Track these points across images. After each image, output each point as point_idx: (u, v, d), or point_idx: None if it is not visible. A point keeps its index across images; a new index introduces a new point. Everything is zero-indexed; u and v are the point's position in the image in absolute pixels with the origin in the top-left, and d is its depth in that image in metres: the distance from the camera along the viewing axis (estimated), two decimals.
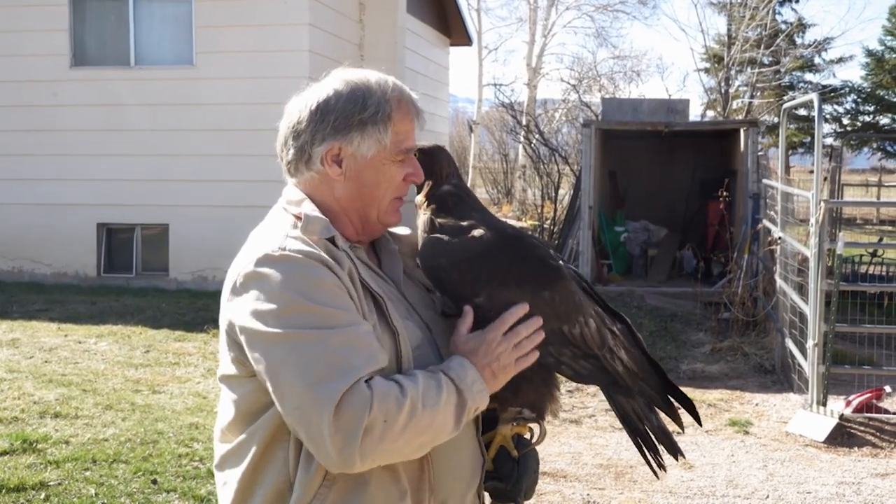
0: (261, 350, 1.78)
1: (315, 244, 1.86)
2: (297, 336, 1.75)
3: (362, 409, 1.71)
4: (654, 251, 13.47)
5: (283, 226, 1.92)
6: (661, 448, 2.14)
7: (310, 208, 1.94)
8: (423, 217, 2.05)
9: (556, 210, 17.43)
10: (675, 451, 2.13)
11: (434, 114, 16.87)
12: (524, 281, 1.96)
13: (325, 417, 1.69)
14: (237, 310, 1.82)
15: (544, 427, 2.09)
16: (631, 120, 13.12)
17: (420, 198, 2.10)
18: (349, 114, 1.92)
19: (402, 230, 2.19)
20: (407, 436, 1.75)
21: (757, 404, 7.56)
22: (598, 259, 12.66)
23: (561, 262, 2.06)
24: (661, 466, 2.15)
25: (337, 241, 1.91)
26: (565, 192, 17.86)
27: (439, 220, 2.02)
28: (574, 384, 7.31)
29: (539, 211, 19.03)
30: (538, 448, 2.12)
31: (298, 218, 1.91)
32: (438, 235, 2.00)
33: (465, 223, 2.01)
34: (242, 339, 1.81)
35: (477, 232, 1.98)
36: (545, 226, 17.40)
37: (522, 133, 20.38)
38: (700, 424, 2.22)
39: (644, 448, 2.14)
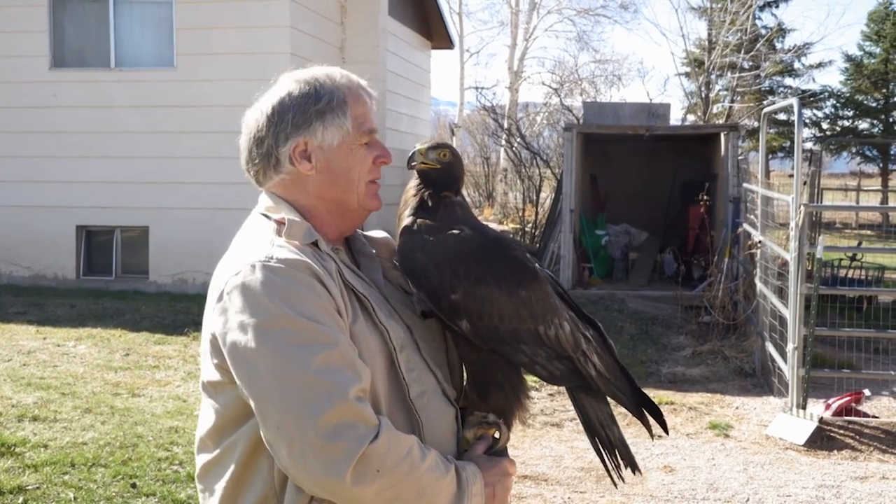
0: (244, 364, 1.76)
1: (300, 250, 1.85)
2: (283, 352, 1.73)
3: (355, 442, 1.70)
4: (636, 254, 13.52)
5: (266, 232, 1.91)
6: (619, 460, 2.15)
7: (290, 212, 1.94)
8: (405, 220, 2.06)
9: (537, 213, 17.54)
10: (633, 465, 2.15)
11: (416, 117, 16.83)
12: (501, 280, 1.99)
13: (307, 439, 1.68)
14: (222, 320, 1.80)
15: (506, 432, 2.08)
16: (612, 123, 13.19)
17: (405, 198, 2.09)
18: (305, 107, 1.95)
19: (378, 234, 2.20)
20: (390, 492, 1.74)
21: (737, 408, 7.58)
22: (579, 262, 12.67)
23: (537, 265, 2.10)
24: (621, 477, 2.17)
25: (320, 245, 1.91)
26: (547, 196, 17.89)
27: (419, 220, 2.04)
28: (556, 387, 7.32)
29: (520, 214, 19.07)
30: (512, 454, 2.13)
31: (280, 223, 1.91)
32: (417, 232, 2.02)
33: (444, 224, 2.03)
34: (226, 351, 1.79)
35: (456, 231, 2.01)
36: (527, 229, 17.63)
37: (504, 136, 20.45)
38: (666, 433, 2.26)
39: (605, 456, 2.15)
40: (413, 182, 2.14)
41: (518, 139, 19.41)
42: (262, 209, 2.00)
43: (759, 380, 8.40)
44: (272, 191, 2.00)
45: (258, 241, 1.88)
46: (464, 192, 2.18)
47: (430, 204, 2.08)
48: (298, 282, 1.78)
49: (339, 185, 1.98)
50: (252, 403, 1.76)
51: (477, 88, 25.74)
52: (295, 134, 1.95)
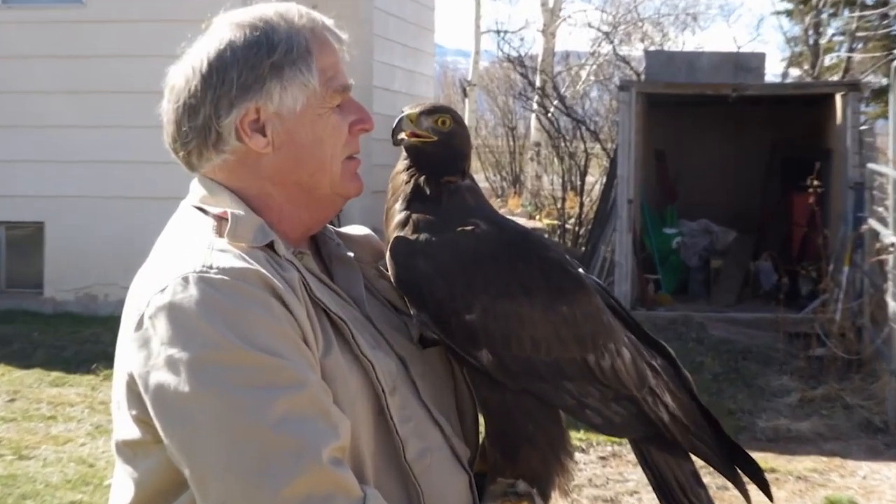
0: (175, 416, 1.77)
1: (249, 256, 1.88)
2: (230, 398, 1.74)
3: None
4: (719, 262, 13.66)
5: (202, 233, 1.95)
6: None
7: (234, 204, 1.99)
8: (397, 214, 2.10)
9: (582, 205, 17.54)
10: None
11: (414, 71, 16.69)
12: (534, 290, 2.02)
13: None
14: (143, 355, 1.81)
15: None
16: (686, 80, 13.28)
17: (394, 186, 2.14)
18: (256, 61, 1.99)
19: (357, 231, 2.29)
20: None
21: (864, 477, 7.53)
22: (641, 272, 12.78)
23: (581, 271, 2.14)
24: None
25: (277, 248, 1.95)
26: (595, 181, 18.11)
27: (416, 214, 2.08)
28: (608, 445, 7.29)
29: (559, 206, 19.05)
30: None
31: (221, 219, 1.96)
32: (414, 231, 2.06)
33: (451, 218, 2.07)
34: (149, 398, 1.79)
35: (468, 227, 2.05)
36: (567, 226, 17.61)
37: (536, 98, 20.29)
38: (770, 500, 2.25)
39: None
40: (402, 163, 2.16)
41: (555, 102, 19.28)
42: (195, 200, 2.05)
43: (895, 437, 8.40)
44: (210, 176, 2.05)
45: (191, 244, 1.91)
46: (482, 174, 2.24)
47: (428, 192, 2.12)
48: (249, 299, 1.81)
49: (307, 164, 2.04)
50: (186, 471, 1.76)
51: (499, 32, 25.23)
52: (242, 98, 1.99)
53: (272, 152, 2.01)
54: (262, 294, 1.82)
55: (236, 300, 1.80)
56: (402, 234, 2.06)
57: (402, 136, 2.12)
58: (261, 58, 1.99)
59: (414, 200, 2.11)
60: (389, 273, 2.09)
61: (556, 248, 2.17)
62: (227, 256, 1.86)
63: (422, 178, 2.12)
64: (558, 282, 2.06)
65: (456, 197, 2.11)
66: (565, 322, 2.04)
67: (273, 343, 1.78)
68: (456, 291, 1.99)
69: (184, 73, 2.02)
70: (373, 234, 2.28)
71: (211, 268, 1.82)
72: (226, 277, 1.81)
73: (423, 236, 2.04)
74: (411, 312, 2.08)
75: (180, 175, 2.12)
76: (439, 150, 2.13)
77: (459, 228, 2.04)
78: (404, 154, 2.16)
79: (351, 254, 2.17)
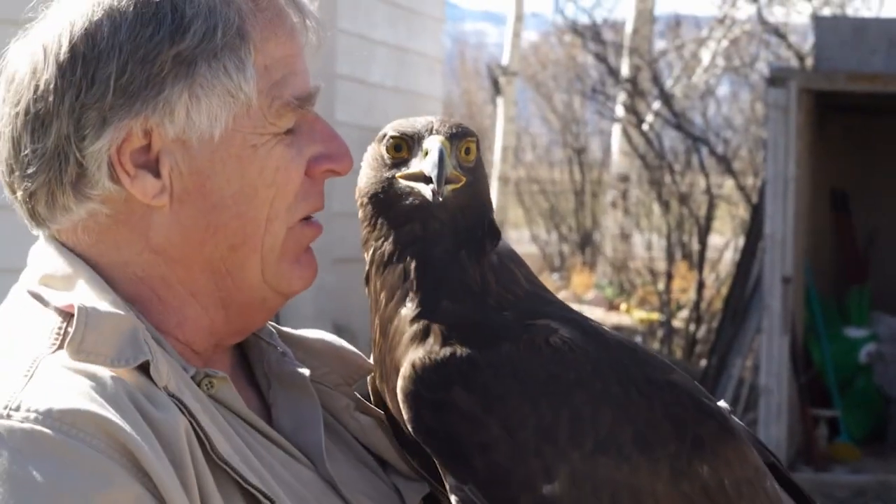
0: None
1: (108, 386, 1.59)
2: None
3: None
4: None
5: (32, 339, 1.66)
6: None
7: (94, 290, 1.69)
8: (406, 318, 1.80)
9: (701, 286, 15.39)
10: None
11: (407, 49, 13.72)
12: (655, 442, 1.74)
13: None
14: None
15: None
16: (886, 69, 11.21)
17: (376, 261, 1.90)
18: (150, 49, 1.67)
19: (315, 335, 2.02)
20: None
21: None
22: (805, 406, 11.27)
23: (724, 405, 1.93)
24: None
25: (154, 373, 1.62)
26: (726, 243, 16.65)
27: (439, 314, 1.77)
28: None
29: (661, 288, 16.71)
30: None
31: (68, 316, 1.65)
32: (442, 344, 1.75)
33: (501, 316, 1.80)
34: None
35: (537, 333, 1.76)
36: (676, 323, 15.86)
37: (623, 98, 17.72)
38: None
39: None
40: (376, 227, 1.86)
41: (657, 105, 16.97)
42: (32, 281, 1.74)
43: None
44: (64, 240, 1.75)
45: (10, 363, 1.62)
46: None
47: (460, 273, 1.80)
48: (83, 470, 1.51)
49: (224, 230, 1.74)
50: None
51: None
52: (123, 111, 1.66)
53: (168, 206, 1.70)
54: (103, 462, 1.51)
55: (61, 470, 1.50)
56: (422, 350, 1.74)
57: (448, 189, 1.74)
58: (159, 43, 1.65)
59: (433, 290, 1.76)
60: (404, 417, 1.77)
61: (680, 372, 1.81)
62: (53, 389, 1.54)
63: (438, 250, 1.79)
64: (694, 428, 1.76)
65: (503, 276, 1.80)
66: (706, 496, 1.74)
67: None
68: (527, 448, 1.67)
69: (31, 56, 1.70)
70: (341, 343, 1.97)
71: (30, 414, 1.52)
72: (47, 429, 1.51)
73: (462, 353, 1.71)
74: (446, 480, 1.75)
75: (17, 230, 1.93)
76: (467, 198, 1.80)
77: (525, 337, 1.72)
78: (389, 204, 1.81)
79: (305, 371, 1.85)
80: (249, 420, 1.73)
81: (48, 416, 1.49)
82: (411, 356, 1.73)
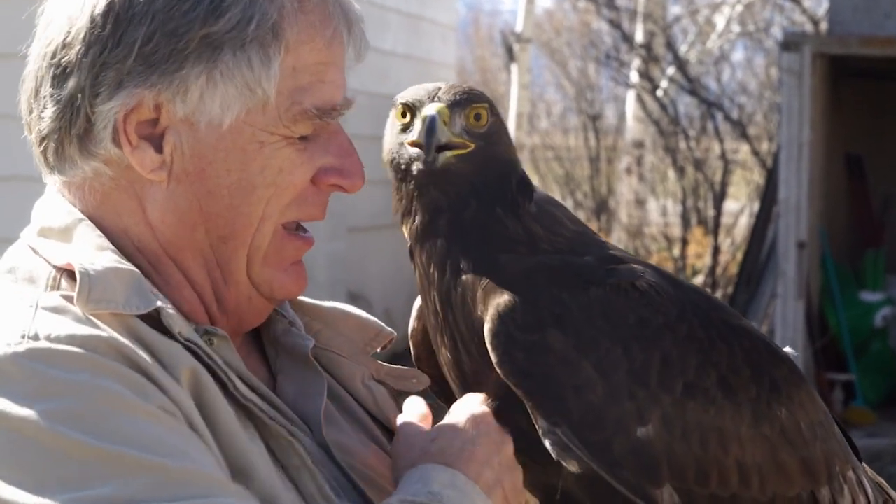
0: None
1: (109, 324, 1.63)
2: None
3: None
4: None
5: (27, 287, 1.70)
6: None
7: (94, 247, 1.72)
8: (464, 272, 1.83)
9: (717, 251, 15.79)
10: None
11: (420, 17, 14.31)
12: (738, 386, 1.80)
13: None
14: None
15: None
16: None
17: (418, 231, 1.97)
18: (181, 24, 1.70)
19: (330, 304, 2.06)
20: None
21: None
22: (820, 370, 11.27)
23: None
24: None
25: (167, 319, 1.67)
26: (741, 209, 16.97)
27: (503, 256, 1.82)
28: None
29: (676, 253, 17.22)
30: None
31: (65, 272, 1.69)
32: (525, 288, 1.77)
33: (568, 262, 1.84)
34: None
35: (627, 276, 1.81)
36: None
37: (637, 64, 17.76)
38: None
39: None
40: (417, 199, 1.86)
41: (671, 71, 17.22)
42: (32, 236, 1.78)
43: None
44: (68, 194, 1.79)
45: (10, 304, 1.65)
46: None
47: (502, 228, 1.82)
48: (120, 382, 1.56)
49: (216, 219, 1.76)
50: None
51: None
52: (139, 78, 1.70)
53: (166, 183, 1.73)
54: (106, 367, 1.56)
55: (67, 380, 1.54)
56: (507, 296, 1.76)
57: (448, 156, 1.78)
58: (192, 21, 1.68)
59: (482, 250, 1.79)
60: (492, 358, 1.76)
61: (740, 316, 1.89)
62: (58, 320, 1.59)
63: (468, 213, 1.80)
64: (770, 373, 1.82)
65: (546, 221, 1.83)
66: (785, 438, 1.81)
67: (130, 432, 1.53)
68: (620, 390, 1.72)
69: (70, 3, 1.72)
70: (357, 310, 2.03)
71: (36, 339, 1.56)
72: (55, 348, 1.55)
73: (553, 295, 1.75)
74: (536, 424, 1.74)
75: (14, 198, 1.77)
76: (480, 163, 1.82)
77: (612, 281, 1.77)
78: (413, 178, 1.82)
79: (309, 342, 1.87)
80: (249, 381, 1.75)
81: (72, 340, 1.54)
82: (496, 301, 1.76)
